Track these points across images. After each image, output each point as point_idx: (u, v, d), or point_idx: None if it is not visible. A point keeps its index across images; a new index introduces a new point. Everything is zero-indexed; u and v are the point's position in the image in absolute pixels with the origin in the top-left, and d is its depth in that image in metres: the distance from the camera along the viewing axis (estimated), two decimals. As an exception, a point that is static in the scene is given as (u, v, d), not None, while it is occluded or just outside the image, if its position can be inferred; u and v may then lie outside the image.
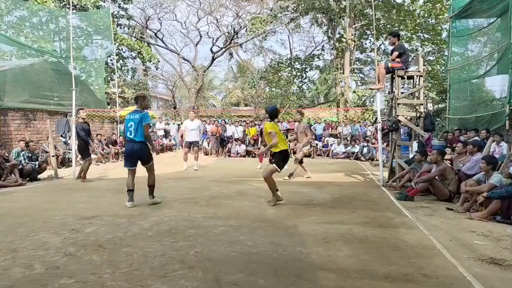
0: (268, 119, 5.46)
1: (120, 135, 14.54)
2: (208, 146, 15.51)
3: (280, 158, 5.34)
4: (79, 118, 8.11)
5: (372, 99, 19.98)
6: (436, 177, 5.88)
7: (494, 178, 4.84)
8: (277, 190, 5.39)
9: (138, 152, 5.23)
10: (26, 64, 11.57)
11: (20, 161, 7.97)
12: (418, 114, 7.43)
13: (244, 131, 15.94)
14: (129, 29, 25.93)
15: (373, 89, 9.61)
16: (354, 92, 20.22)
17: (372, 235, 3.84)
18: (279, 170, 5.29)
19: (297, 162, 8.26)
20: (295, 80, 22.98)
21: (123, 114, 17.26)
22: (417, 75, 7.40)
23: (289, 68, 22.32)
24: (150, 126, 5.38)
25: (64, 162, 10.56)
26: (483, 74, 10.60)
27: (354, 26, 18.95)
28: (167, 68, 32.51)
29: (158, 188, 6.74)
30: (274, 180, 5.32)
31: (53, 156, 8.84)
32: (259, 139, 14.38)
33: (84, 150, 7.98)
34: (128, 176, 5.31)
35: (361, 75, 25.05)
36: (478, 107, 10.42)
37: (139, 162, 5.34)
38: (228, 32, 28.55)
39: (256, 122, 17.22)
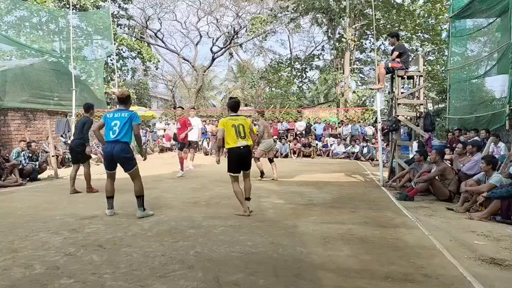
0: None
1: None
2: (208, 146, 15.51)
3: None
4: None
5: (372, 99, 19.97)
6: (436, 177, 5.88)
7: (494, 178, 4.84)
8: None
9: (120, 154, 4.55)
10: (26, 64, 11.57)
11: (20, 161, 7.96)
12: (418, 114, 7.43)
13: (244, 131, 15.92)
14: (129, 29, 25.95)
15: (373, 89, 9.64)
16: (354, 92, 20.21)
17: (372, 235, 3.84)
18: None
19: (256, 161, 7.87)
20: (295, 80, 22.98)
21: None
22: (417, 75, 7.41)
23: (289, 68, 22.31)
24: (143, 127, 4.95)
25: (64, 162, 10.56)
26: (483, 74, 10.60)
27: (354, 26, 18.95)
28: (167, 68, 32.58)
29: (158, 188, 6.76)
30: None
31: (53, 156, 8.84)
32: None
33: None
34: (107, 180, 4.76)
35: (361, 75, 25.03)
36: (478, 107, 10.42)
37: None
38: (228, 32, 28.57)
39: (255, 122, 17.22)
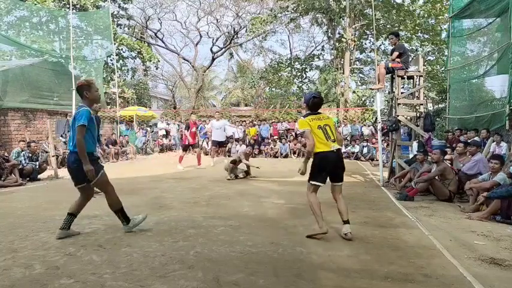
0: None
1: (120, 135, 14.55)
2: (208, 146, 15.50)
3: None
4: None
5: (372, 99, 19.97)
6: (436, 177, 5.88)
7: (498, 176, 4.86)
8: None
9: (71, 166, 3.61)
10: (26, 64, 11.58)
11: (20, 161, 7.96)
12: (418, 114, 7.43)
13: (244, 131, 15.97)
14: (129, 29, 25.94)
15: (373, 89, 9.64)
16: (354, 92, 20.21)
17: (372, 235, 3.84)
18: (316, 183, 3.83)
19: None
20: (295, 80, 22.97)
21: (123, 114, 17.32)
22: (417, 75, 7.41)
23: (289, 68, 22.31)
24: (86, 128, 3.52)
25: (64, 162, 10.55)
26: (483, 74, 10.60)
27: (354, 26, 18.95)
28: (167, 68, 32.60)
29: (158, 188, 6.76)
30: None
31: (53, 156, 8.84)
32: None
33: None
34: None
35: (361, 75, 25.04)
36: (478, 107, 10.42)
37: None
38: (228, 32, 28.57)
39: (255, 122, 17.23)
